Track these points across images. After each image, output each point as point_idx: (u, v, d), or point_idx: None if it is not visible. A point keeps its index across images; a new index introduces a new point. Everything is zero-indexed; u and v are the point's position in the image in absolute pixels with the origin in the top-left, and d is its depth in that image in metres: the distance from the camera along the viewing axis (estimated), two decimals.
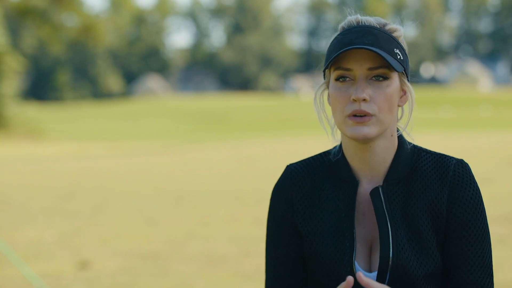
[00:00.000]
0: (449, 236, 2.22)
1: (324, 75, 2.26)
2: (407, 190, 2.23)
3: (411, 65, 2.28)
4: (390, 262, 2.18)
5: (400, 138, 2.27)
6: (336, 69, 2.18)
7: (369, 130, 2.15)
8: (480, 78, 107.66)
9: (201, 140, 36.39)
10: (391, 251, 2.19)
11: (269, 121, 53.97)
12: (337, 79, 2.18)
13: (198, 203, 12.42)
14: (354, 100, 2.14)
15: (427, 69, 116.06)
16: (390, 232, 2.19)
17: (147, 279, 7.10)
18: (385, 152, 2.23)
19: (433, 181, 2.22)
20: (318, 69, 2.36)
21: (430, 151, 2.27)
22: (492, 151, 21.95)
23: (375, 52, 2.11)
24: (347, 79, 2.17)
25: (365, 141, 2.18)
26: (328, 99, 2.25)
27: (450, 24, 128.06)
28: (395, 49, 2.17)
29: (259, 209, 11.25)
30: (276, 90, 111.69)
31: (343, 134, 2.22)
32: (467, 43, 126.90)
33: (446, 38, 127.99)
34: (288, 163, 2.39)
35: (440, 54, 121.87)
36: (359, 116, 2.14)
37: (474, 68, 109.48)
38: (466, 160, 2.25)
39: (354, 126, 2.15)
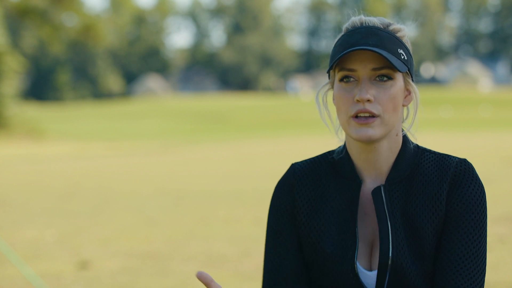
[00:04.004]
0: (444, 232, 2.19)
1: (328, 75, 2.27)
2: (408, 189, 2.23)
3: None
4: (389, 262, 2.18)
5: (404, 137, 2.27)
6: (340, 70, 2.18)
7: (373, 131, 2.15)
8: (480, 78, 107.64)
9: (201, 140, 36.39)
10: (390, 250, 2.18)
11: (269, 121, 53.97)
12: (341, 80, 2.19)
13: (198, 203, 12.41)
14: (358, 101, 2.15)
15: (427, 69, 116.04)
16: (390, 232, 2.19)
17: (147, 279, 7.10)
18: (389, 152, 2.23)
19: (434, 179, 2.22)
20: (318, 69, 2.37)
21: (434, 151, 2.27)
22: (492, 151, 21.94)
23: (379, 53, 2.11)
24: (351, 79, 2.17)
25: (370, 142, 2.19)
26: (333, 99, 2.25)
27: (450, 24, 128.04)
28: (399, 50, 2.17)
29: (259, 209, 11.25)
30: (276, 90, 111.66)
31: (347, 135, 2.22)
32: (467, 43, 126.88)
33: (446, 38, 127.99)
34: (288, 164, 2.39)
35: (440, 54, 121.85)
36: (364, 118, 2.15)
37: (474, 68, 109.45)
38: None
39: (358, 127, 2.15)
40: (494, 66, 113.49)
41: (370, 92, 2.14)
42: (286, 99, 79.41)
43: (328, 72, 2.23)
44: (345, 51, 2.13)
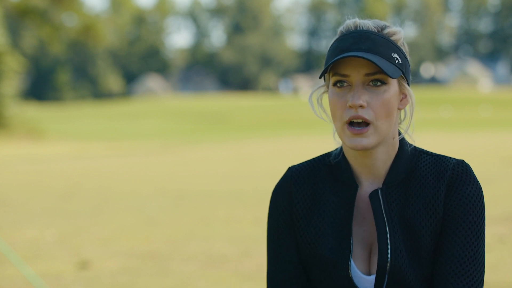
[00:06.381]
0: (442, 234, 2.18)
1: (324, 78, 2.26)
2: (405, 192, 2.21)
3: (411, 65, 2.27)
4: (388, 265, 2.17)
5: (401, 140, 2.26)
6: (334, 74, 2.17)
7: (368, 141, 2.14)
8: (480, 78, 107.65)
9: (201, 140, 36.39)
10: (389, 254, 2.17)
11: (269, 121, 53.96)
12: (334, 84, 2.18)
13: (198, 203, 12.41)
14: (351, 107, 2.14)
15: (427, 69, 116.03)
16: (388, 235, 2.18)
17: (147, 279, 7.10)
18: (386, 155, 2.22)
19: (431, 181, 2.20)
20: (318, 69, 2.36)
21: (431, 153, 2.26)
22: (492, 151, 21.93)
23: (370, 61, 2.10)
24: (345, 84, 2.16)
25: (365, 150, 2.18)
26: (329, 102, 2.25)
27: (450, 24, 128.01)
28: (393, 54, 2.15)
29: (259, 209, 11.25)
30: (276, 90, 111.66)
31: (342, 142, 2.21)
32: (467, 43, 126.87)
33: (446, 38, 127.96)
34: (288, 164, 2.38)
35: (440, 54, 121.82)
36: (357, 127, 2.13)
37: (474, 68, 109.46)
38: (466, 161, 2.24)
39: (352, 137, 2.14)
40: (494, 66, 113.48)
41: (363, 98, 2.13)
42: (286, 99, 79.39)
43: (321, 77, 2.22)
44: (337, 57, 2.12)
